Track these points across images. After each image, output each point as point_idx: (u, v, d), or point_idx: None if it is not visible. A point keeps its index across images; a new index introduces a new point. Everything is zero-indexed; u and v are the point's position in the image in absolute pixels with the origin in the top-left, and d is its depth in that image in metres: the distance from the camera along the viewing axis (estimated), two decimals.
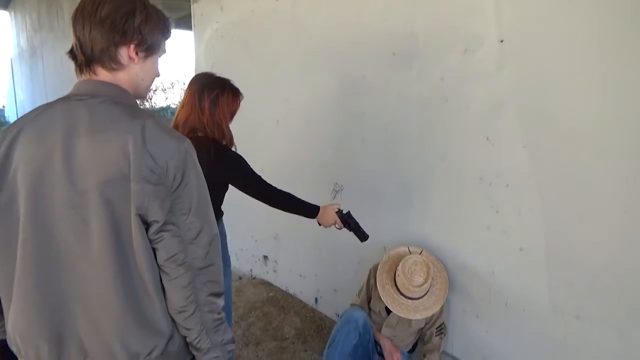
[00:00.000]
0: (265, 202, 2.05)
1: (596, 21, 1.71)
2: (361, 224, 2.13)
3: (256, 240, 3.81)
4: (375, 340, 2.31)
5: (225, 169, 1.93)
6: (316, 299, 3.30)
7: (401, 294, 2.15)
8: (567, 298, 1.88)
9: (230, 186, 2.03)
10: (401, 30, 2.38)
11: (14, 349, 1.09)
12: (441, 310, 2.23)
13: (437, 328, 2.26)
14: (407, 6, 2.34)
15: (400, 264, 2.16)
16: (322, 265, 3.20)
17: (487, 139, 2.06)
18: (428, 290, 2.16)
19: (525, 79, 1.92)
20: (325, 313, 3.23)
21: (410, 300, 2.14)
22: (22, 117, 1.08)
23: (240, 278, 3.92)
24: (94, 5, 1.03)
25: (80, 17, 1.04)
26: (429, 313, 2.16)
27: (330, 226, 2.13)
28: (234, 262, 4.08)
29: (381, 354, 2.32)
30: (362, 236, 2.13)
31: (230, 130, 1.95)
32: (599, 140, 1.73)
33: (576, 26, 1.76)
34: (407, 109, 2.41)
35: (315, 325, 3.11)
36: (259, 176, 2.00)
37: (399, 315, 2.16)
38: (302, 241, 3.33)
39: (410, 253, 2.27)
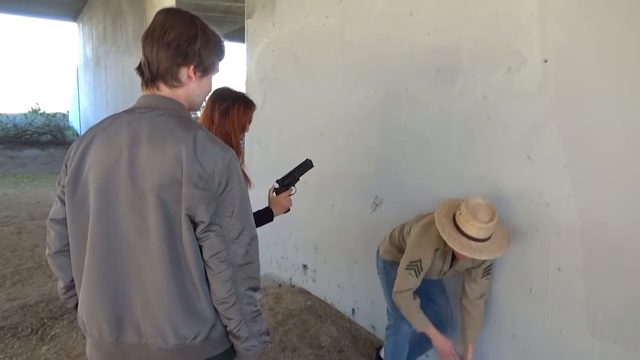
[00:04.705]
0: None
1: None
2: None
3: (297, 249, 3.90)
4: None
5: None
6: (353, 310, 3.34)
7: (462, 234, 1.97)
8: (605, 321, 1.85)
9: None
10: (446, 46, 2.43)
11: (81, 327, 1.24)
12: None
13: (484, 269, 2.18)
14: (453, 23, 2.39)
15: (462, 205, 2.00)
16: (360, 277, 3.24)
17: (529, 157, 2.06)
18: (491, 235, 1.97)
19: (568, 99, 1.92)
20: (362, 324, 3.27)
21: (473, 242, 1.96)
22: (95, 126, 1.24)
23: (280, 285, 4.01)
24: (162, 30, 1.17)
25: (150, 39, 1.18)
26: (493, 256, 1.98)
27: (290, 203, 2.12)
28: (274, 270, 4.19)
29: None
30: (307, 167, 2.15)
31: (239, 143, 1.99)
32: None
33: (620, 48, 1.75)
34: (449, 125, 2.45)
35: (352, 336, 3.15)
36: None
37: (462, 253, 1.97)
38: (341, 252, 3.39)
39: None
